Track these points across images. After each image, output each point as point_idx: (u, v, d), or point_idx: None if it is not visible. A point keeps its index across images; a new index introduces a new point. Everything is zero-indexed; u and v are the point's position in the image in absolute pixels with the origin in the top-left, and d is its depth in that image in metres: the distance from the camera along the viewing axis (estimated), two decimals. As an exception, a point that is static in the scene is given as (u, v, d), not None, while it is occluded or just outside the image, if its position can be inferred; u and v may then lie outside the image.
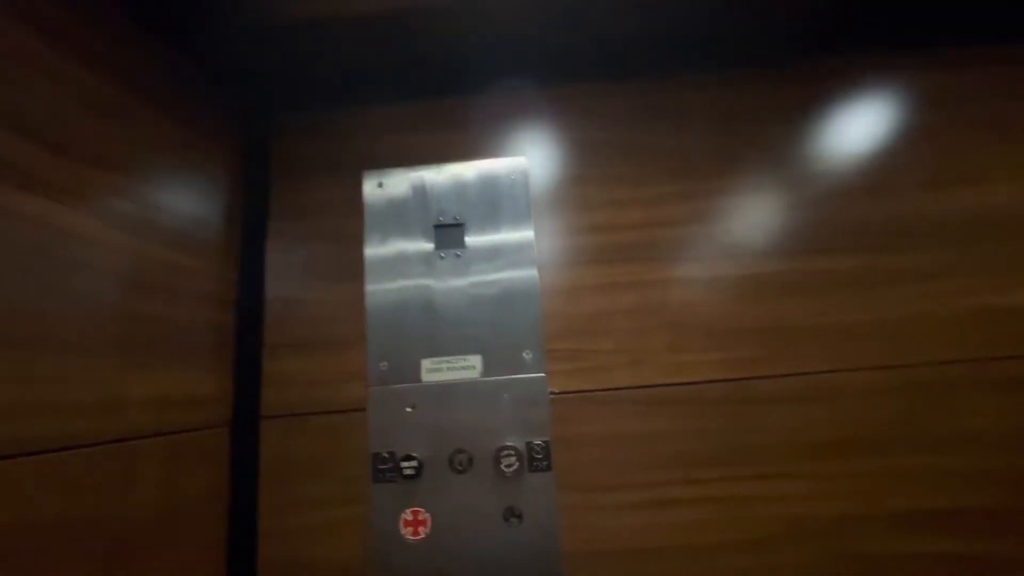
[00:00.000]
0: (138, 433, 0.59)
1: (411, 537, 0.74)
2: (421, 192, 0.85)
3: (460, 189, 0.85)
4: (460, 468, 0.76)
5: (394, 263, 0.82)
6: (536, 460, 0.75)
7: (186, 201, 0.72)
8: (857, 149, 0.83)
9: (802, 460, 0.74)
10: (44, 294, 0.50)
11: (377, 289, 0.81)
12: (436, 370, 0.79)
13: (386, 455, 0.75)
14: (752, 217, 0.81)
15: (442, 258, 0.82)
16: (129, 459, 0.58)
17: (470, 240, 0.83)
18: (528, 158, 0.85)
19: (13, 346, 0.46)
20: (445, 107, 0.88)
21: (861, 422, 0.75)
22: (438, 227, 0.84)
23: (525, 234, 0.82)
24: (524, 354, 0.78)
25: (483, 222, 0.83)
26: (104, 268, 0.57)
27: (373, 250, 0.82)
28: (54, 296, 0.51)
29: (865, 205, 0.81)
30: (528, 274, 0.80)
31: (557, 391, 0.77)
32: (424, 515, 0.75)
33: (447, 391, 0.78)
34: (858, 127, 0.83)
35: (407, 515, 0.75)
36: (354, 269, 0.82)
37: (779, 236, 0.81)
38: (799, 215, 0.81)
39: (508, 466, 0.73)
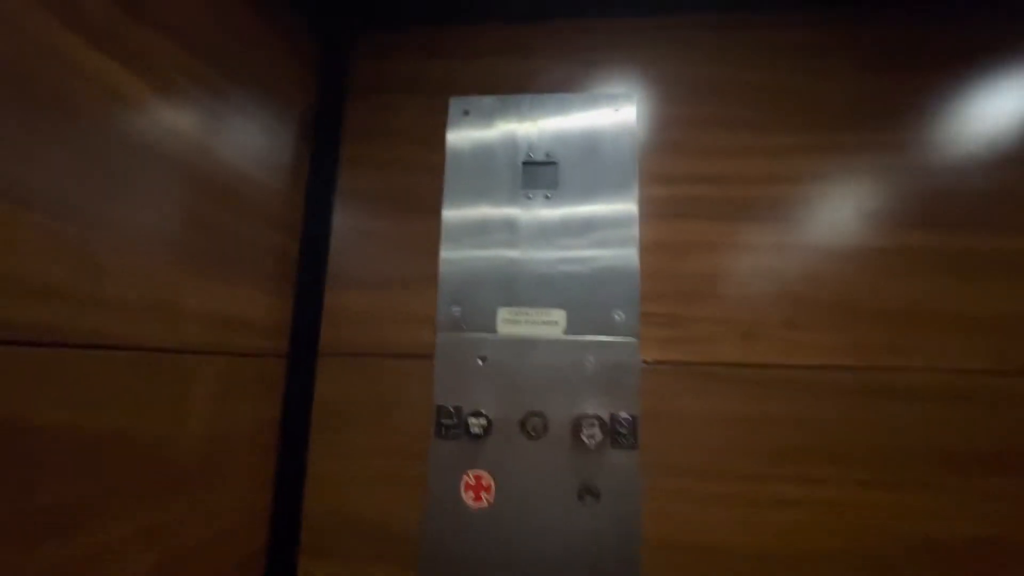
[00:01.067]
0: (193, 347, 0.52)
1: (472, 503, 0.66)
2: (512, 123, 0.75)
3: (555, 123, 0.75)
4: (533, 433, 0.67)
5: (475, 199, 0.73)
6: (621, 435, 0.65)
7: (259, 107, 0.65)
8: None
9: (941, 470, 0.62)
10: (105, 172, 0.43)
11: (454, 226, 0.72)
12: (514, 321, 0.70)
13: (452, 409, 0.67)
14: (896, 179, 0.69)
15: (529, 198, 0.73)
16: (182, 373, 0.51)
17: (563, 180, 0.73)
18: (636, 93, 0.74)
19: (67, 219, 0.39)
20: (542, 31, 0.78)
21: (1014, 432, 0.62)
22: (527, 164, 0.74)
23: (627, 178, 0.71)
24: (615, 314, 0.68)
25: (579, 162, 0.73)
26: (171, 158, 0.50)
27: (453, 183, 0.74)
28: (116, 176, 0.44)
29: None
30: (627, 222, 0.70)
31: (651, 360, 0.67)
32: (488, 480, 0.67)
33: (524, 346, 0.69)
34: (1041, 85, 0.69)
35: (469, 478, 0.67)
36: (431, 202, 0.74)
37: (928, 204, 0.68)
38: (954, 182, 0.68)
39: (590, 436, 0.64)
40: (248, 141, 0.63)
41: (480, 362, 0.69)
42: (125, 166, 0.45)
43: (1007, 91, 0.68)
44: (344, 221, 0.74)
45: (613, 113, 0.74)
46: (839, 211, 0.69)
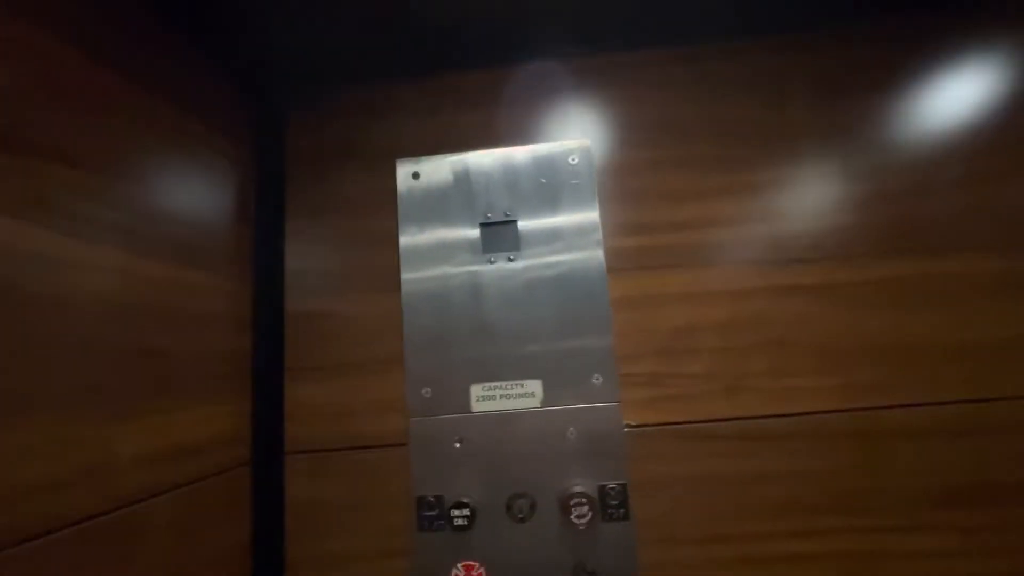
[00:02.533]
0: (133, 497, 0.48)
1: (464, 598, 0.62)
2: (465, 182, 0.71)
3: (511, 178, 0.71)
4: (520, 515, 0.63)
5: (434, 268, 0.69)
6: (611, 507, 0.62)
7: (187, 204, 0.60)
8: (999, 122, 0.66)
9: (944, 508, 0.60)
10: (8, 344, 0.37)
11: (416, 299, 0.68)
12: (488, 398, 0.66)
13: (432, 499, 0.63)
14: (868, 208, 0.66)
15: (492, 262, 0.69)
16: (129, 531, 0.46)
17: (525, 239, 0.69)
18: (593, 140, 0.70)
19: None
20: (486, 81, 0.73)
21: (1017, 462, 0.60)
22: (486, 225, 0.70)
23: (591, 228, 0.68)
24: (593, 378, 0.65)
25: (539, 217, 0.69)
26: (82, 298, 0.45)
27: (409, 252, 0.69)
28: (14, 341, 0.38)
29: (1010, 191, 0.65)
30: (597, 279, 0.67)
31: (635, 424, 0.64)
32: (478, 570, 0.63)
33: (502, 423, 0.65)
34: (1003, 94, 0.66)
35: (458, 570, 0.63)
36: (388, 276, 0.69)
37: (903, 231, 0.65)
38: (926, 205, 0.65)
39: (580, 517, 0.61)
40: (179, 241, 0.57)
41: (457, 445, 0.65)
42: (23, 327, 0.40)
43: (970, 108, 0.66)
44: (297, 306, 0.70)
45: (570, 163, 0.70)
46: (813, 247, 0.66)
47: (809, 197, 0.67)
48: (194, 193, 0.61)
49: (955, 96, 0.66)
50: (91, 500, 0.43)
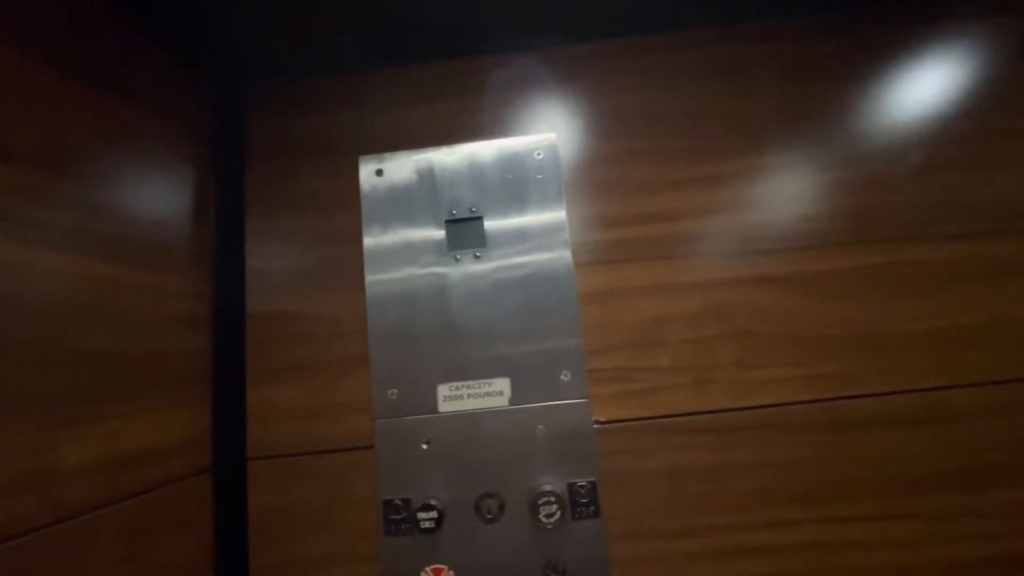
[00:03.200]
0: (84, 507, 0.46)
1: (433, 601, 0.61)
2: (429, 179, 0.70)
3: (477, 174, 0.69)
4: (489, 516, 0.62)
5: (399, 267, 0.68)
6: (580, 505, 0.61)
7: (142, 203, 0.58)
8: (962, 111, 0.66)
9: (911, 496, 0.61)
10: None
11: (380, 299, 0.67)
12: (456, 397, 0.65)
13: (399, 503, 0.62)
14: (835, 197, 0.66)
15: (457, 260, 0.68)
16: (77, 543, 0.45)
17: (491, 236, 0.68)
18: (557, 133, 0.69)
19: None
20: (454, 72, 0.72)
21: (982, 448, 0.61)
22: (451, 222, 0.69)
23: (557, 226, 0.67)
24: (562, 375, 0.64)
25: (505, 214, 0.68)
26: (29, 301, 0.43)
27: (373, 252, 0.68)
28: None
29: (974, 180, 0.65)
30: (563, 275, 0.66)
31: (603, 420, 0.63)
32: (448, 573, 0.62)
33: (470, 422, 0.64)
34: (966, 84, 0.67)
35: (427, 574, 0.62)
36: (352, 274, 0.68)
37: (869, 220, 0.65)
38: (892, 194, 0.66)
39: (548, 516, 0.60)
40: (132, 242, 0.56)
41: (425, 446, 0.64)
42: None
43: (935, 99, 0.66)
44: (259, 306, 0.68)
45: (535, 157, 0.69)
46: (780, 238, 0.66)
47: (777, 187, 0.67)
48: (148, 192, 0.59)
49: (920, 86, 0.66)
50: (37, 510, 0.42)
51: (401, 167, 0.70)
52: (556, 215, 0.67)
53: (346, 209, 0.69)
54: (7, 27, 0.43)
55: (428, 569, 0.62)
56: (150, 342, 0.57)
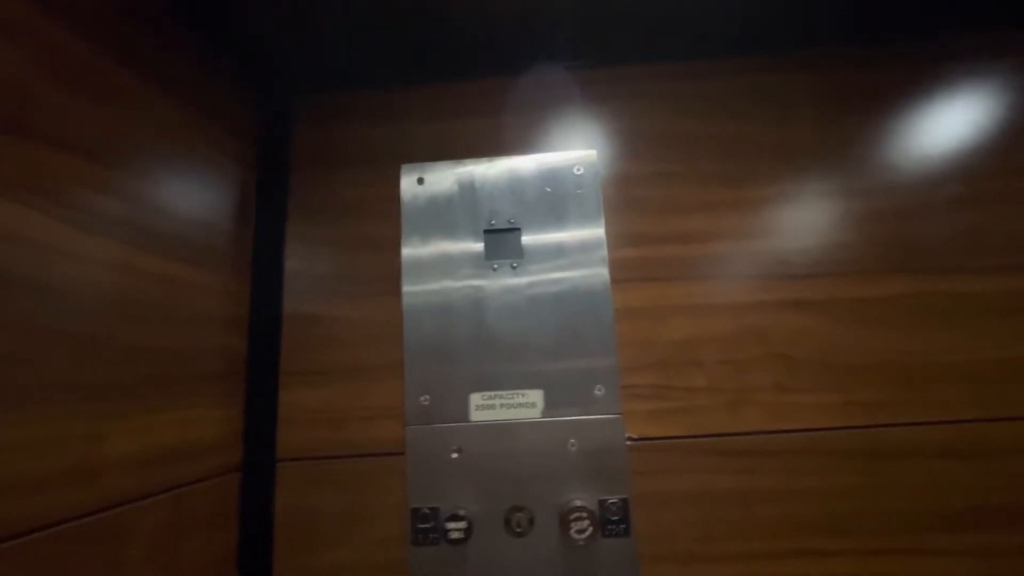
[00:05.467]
0: (121, 498, 0.46)
1: (458, 615, 0.60)
2: (470, 190, 0.71)
3: (516, 187, 0.70)
4: (519, 530, 0.62)
5: (436, 276, 0.68)
6: (611, 522, 0.61)
7: (188, 200, 0.59)
8: (1003, 145, 0.67)
9: (947, 531, 0.59)
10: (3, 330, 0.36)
11: (416, 306, 0.67)
12: (488, 407, 0.65)
13: (428, 511, 0.62)
14: (872, 225, 0.66)
15: (495, 269, 0.68)
16: (115, 534, 0.44)
17: (528, 248, 0.68)
18: (598, 151, 0.70)
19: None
20: (494, 89, 0.73)
21: (1022, 486, 0.60)
22: (489, 232, 0.69)
23: (595, 241, 0.67)
24: (596, 390, 0.64)
25: (544, 226, 0.69)
26: (79, 290, 0.43)
27: (411, 259, 0.68)
28: (4, 331, 0.37)
29: (1016, 212, 0.66)
30: (600, 290, 0.66)
31: (636, 437, 0.63)
32: (474, 587, 0.61)
33: (501, 433, 0.64)
34: (1007, 117, 0.68)
35: (453, 587, 0.61)
36: (388, 282, 0.68)
37: (908, 249, 0.65)
38: (932, 224, 0.66)
39: (580, 532, 0.59)
40: (178, 238, 0.57)
41: (455, 455, 0.64)
42: (21, 317, 0.38)
43: (973, 130, 0.67)
44: (295, 308, 0.68)
45: (575, 173, 0.70)
46: (816, 263, 0.66)
47: (812, 214, 0.67)
48: (196, 190, 0.60)
49: (958, 118, 0.67)
50: (79, 499, 0.42)
51: (442, 177, 0.71)
52: (594, 232, 0.67)
53: (384, 218, 0.70)
54: (76, 16, 0.45)
55: (454, 581, 0.61)
56: (190, 339, 0.57)
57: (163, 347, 0.53)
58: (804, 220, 0.67)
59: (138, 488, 0.48)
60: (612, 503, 0.61)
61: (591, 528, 0.59)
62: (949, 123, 0.67)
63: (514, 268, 0.68)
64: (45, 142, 0.41)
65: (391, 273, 0.69)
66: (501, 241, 0.69)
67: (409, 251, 0.68)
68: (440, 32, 0.68)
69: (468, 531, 0.60)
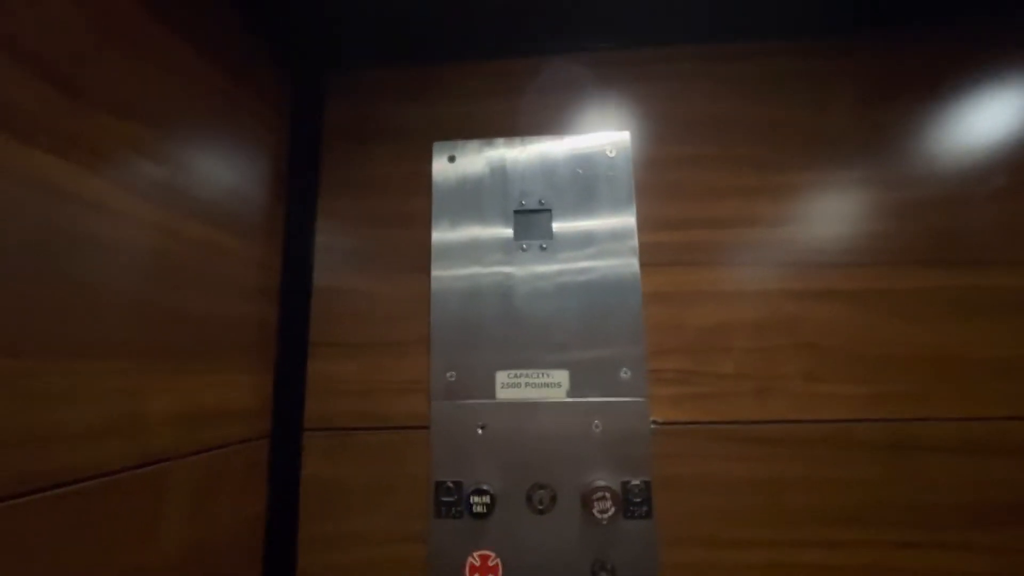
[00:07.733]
0: (163, 455, 0.47)
1: (478, 588, 0.61)
2: (500, 170, 0.71)
3: (547, 168, 0.70)
4: (540, 507, 0.62)
5: (466, 253, 0.68)
6: (633, 504, 0.61)
7: (226, 169, 0.59)
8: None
9: (972, 528, 0.59)
10: (45, 281, 0.37)
11: (445, 283, 0.67)
12: (513, 385, 0.65)
13: (451, 485, 0.62)
14: (909, 216, 0.65)
15: (524, 250, 0.68)
16: (153, 489, 0.46)
17: (558, 229, 0.68)
18: (631, 133, 0.70)
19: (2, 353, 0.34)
20: (528, 68, 0.73)
21: (1052, 483, 0.59)
22: (519, 212, 0.69)
23: (626, 224, 0.67)
24: (622, 372, 0.64)
25: (574, 208, 0.69)
26: (124, 248, 0.44)
27: (441, 236, 0.69)
28: (58, 284, 0.38)
29: (1058, 207, 0.64)
30: (629, 273, 0.66)
31: (661, 421, 0.63)
32: (494, 561, 0.62)
33: (526, 411, 0.64)
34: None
35: (474, 559, 0.62)
36: (418, 258, 0.69)
37: (945, 241, 0.64)
38: (971, 217, 0.65)
39: (602, 511, 0.59)
40: (215, 205, 0.57)
41: (480, 431, 0.64)
42: (74, 272, 0.39)
43: (1015, 120, 0.65)
44: (325, 281, 0.69)
45: (607, 155, 0.69)
46: (849, 251, 0.65)
47: (847, 202, 0.66)
48: (233, 158, 0.61)
49: (1000, 107, 0.65)
50: (123, 452, 0.43)
51: (473, 156, 0.71)
52: (625, 220, 0.67)
53: (415, 194, 0.70)
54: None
55: (475, 554, 0.62)
56: (228, 305, 0.58)
57: (201, 311, 0.54)
58: (838, 208, 0.66)
59: (176, 447, 0.49)
60: (635, 485, 0.61)
61: (613, 508, 0.59)
62: (994, 112, 0.65)
63: (543, 249, 0.68)
64: (99, 104, 0.42)
65: (420, 249, 0.69)
66: (531, 222, 0.69)
67: (439, 235, 0.68)
68: (474, 11, 0.67)
69: (491, 506, 0.61)
